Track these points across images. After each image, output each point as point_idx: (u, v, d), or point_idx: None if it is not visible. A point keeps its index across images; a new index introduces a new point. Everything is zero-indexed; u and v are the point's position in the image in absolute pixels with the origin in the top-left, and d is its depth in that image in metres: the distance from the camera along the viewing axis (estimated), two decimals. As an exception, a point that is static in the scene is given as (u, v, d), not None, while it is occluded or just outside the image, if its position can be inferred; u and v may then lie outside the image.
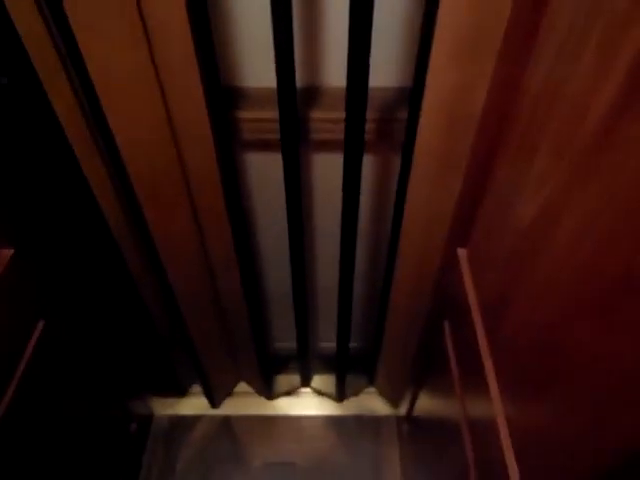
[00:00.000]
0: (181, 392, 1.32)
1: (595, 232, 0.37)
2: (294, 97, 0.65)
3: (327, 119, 0.73)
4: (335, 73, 0.73)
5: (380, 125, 0.72)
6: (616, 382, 0.34)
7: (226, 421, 1.30)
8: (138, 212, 0.77)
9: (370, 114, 0.67)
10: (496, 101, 0.56)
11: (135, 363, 1.15)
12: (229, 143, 0.74)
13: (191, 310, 1.00)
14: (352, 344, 1.11)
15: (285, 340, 1.24)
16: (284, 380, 1.33)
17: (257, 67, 0.72)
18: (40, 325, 0.76)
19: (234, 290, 0.98)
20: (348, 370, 1.21)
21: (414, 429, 1.13)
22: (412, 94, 0.65)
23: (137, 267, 0.93)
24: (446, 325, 0.80)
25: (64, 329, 0.84)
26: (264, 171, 0.85)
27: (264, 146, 0.80)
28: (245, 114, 0.72)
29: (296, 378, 1.32)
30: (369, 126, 0.69)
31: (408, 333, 1.00)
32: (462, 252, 0.72)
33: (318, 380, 1.34)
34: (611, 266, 0.35)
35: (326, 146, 0.80)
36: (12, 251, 0.68)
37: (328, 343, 1.19)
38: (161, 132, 0.68)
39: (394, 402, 1.28)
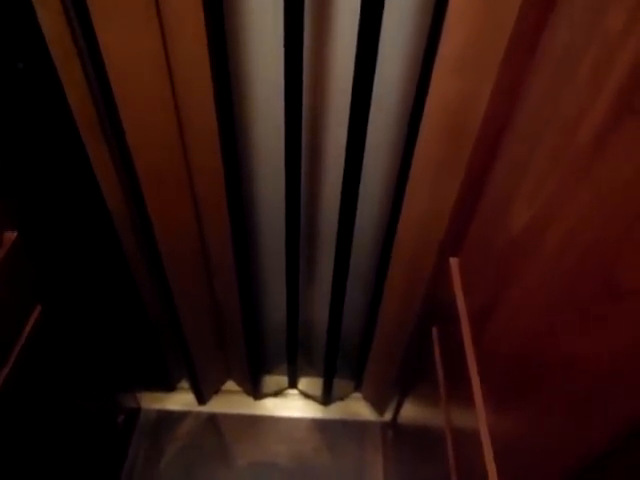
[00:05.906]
0: (169, 387, 1.33)
1: (581, 242, 0.38)
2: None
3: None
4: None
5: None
6: (589, 387, 0.36)
7: (212, 418, 1.30)
8: (140, 202, 0.78)
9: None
10: (496, 112, 0.58)
11: (126, 356, 1.16)
12: (233, 139, 0.76)
13: (185, 305, 1.01)
14: (340, 346, 1.13)
15: (275, 342, 1.25)
16: (272, 381, 1.34)
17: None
18: (37, 310, 0.76)
19: (229, 289, 0.99)
20: (335, 374, 1.22)
21: (398, 435, 1.14)
22: (414, 101, 0.67)
23: (135, 258, 0.94)
24: (434, 331, 0.81)
25: (60, 315, 0.84)
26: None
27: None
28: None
29: (283, 379, 1.33)
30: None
31: (397, 338, 1.01)
32: (454, 261, 0.74)
33: (305, 382, 1.35)
34: (594, 274, 0.36)
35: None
36: (15, 234, 0.69)
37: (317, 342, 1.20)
38: (169, 123, 0.69)
39: (380, 408, 1.29)
